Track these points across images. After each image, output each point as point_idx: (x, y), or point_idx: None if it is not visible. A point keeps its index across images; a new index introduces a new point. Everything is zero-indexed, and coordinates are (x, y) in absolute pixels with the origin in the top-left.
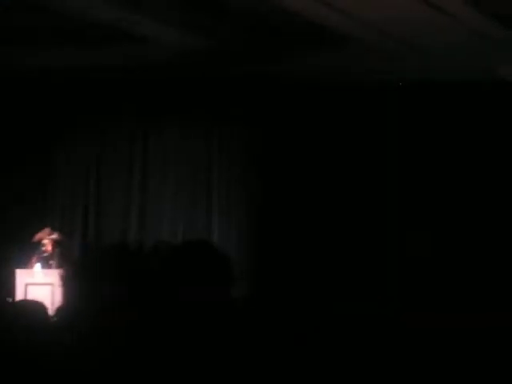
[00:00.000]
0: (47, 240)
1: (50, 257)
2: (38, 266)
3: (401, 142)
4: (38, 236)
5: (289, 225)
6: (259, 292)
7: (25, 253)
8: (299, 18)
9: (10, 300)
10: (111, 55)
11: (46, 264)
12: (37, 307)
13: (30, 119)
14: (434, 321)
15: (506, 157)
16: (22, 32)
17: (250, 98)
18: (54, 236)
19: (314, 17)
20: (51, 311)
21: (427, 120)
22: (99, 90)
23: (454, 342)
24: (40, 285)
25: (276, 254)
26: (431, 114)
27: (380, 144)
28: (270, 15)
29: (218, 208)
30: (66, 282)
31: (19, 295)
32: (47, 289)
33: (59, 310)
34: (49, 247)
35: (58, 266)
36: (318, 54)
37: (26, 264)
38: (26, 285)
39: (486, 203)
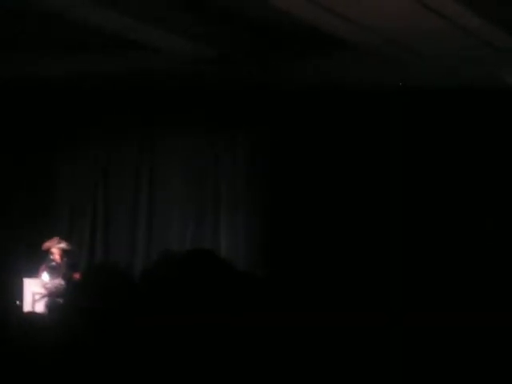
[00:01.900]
0: (55, 249)
1: (58, 266)
2: (45, 275)
3: (405, 148)
4: (46, 245)
5: (298, 232)
6: (268, 301)
7: (33, 262)
8: (301, 25)
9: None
10: (116, 63)
11: (54, 273)
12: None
13: (37, 128)
14: (432, 319)
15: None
16: (25, 38)
17: (257, 106)
18: (63, 245)
19: (315, 22)
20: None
21: (432, 127)
22: (104, 100)
23: (451, 341)
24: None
25: (286, 261)
26: (436, 121)
27: (384, 150)
28: (273, 22)
29: (227, 218)
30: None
31: (27, 304)
32: None
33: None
34: (57, 256)
35: (65, 276)
36: (321, 59)
37: (34, 273)
38: (34, 294)
39: (487, 207)
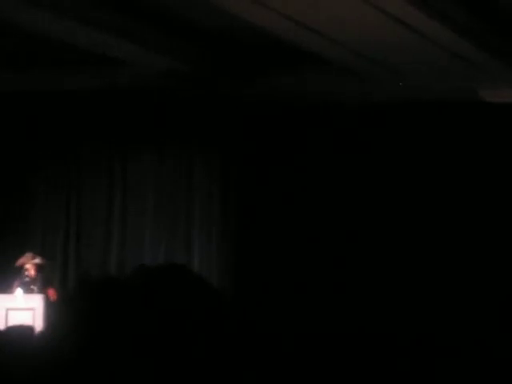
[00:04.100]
0: (30, 264)
1: (33, 281)
2: (19, 291)
3: (380, 162)
4: (20, 260)
5: (272, 250)
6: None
7: (6, 277)
8: (273, 38)
9: None
10: (87, 79)
11: (28, 289)
12: (24, 332)
13: (10, 146)
14: None
15: (483, 176)
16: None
17: (229, 121)
18: (37, 260)
19: (287, 36)
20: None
21: (404, 141)
22: (76, 117)
23: None
24: (21, 310)
25: (259, 282)
26: (409, 135)
27: (357, 166)
28: (245, 36)
29: (198, 235)
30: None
31: (0, 320)
32: (29, 314)
33: (42, 334)
34: (32, 272)
35: (40, 291)
36: (294, 74)
37: (7, 289)
38: (7, 310)
39: (475, 218)
